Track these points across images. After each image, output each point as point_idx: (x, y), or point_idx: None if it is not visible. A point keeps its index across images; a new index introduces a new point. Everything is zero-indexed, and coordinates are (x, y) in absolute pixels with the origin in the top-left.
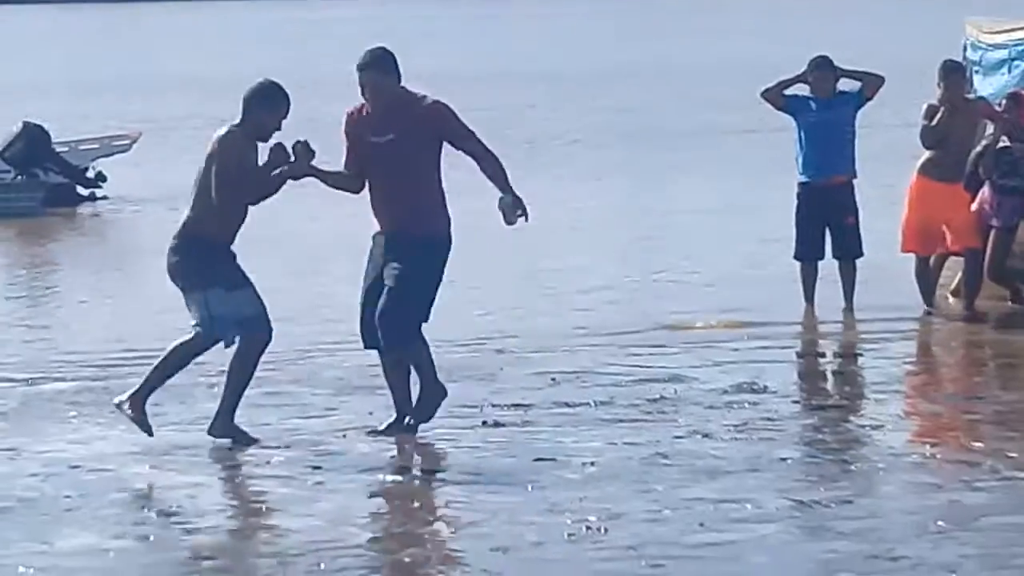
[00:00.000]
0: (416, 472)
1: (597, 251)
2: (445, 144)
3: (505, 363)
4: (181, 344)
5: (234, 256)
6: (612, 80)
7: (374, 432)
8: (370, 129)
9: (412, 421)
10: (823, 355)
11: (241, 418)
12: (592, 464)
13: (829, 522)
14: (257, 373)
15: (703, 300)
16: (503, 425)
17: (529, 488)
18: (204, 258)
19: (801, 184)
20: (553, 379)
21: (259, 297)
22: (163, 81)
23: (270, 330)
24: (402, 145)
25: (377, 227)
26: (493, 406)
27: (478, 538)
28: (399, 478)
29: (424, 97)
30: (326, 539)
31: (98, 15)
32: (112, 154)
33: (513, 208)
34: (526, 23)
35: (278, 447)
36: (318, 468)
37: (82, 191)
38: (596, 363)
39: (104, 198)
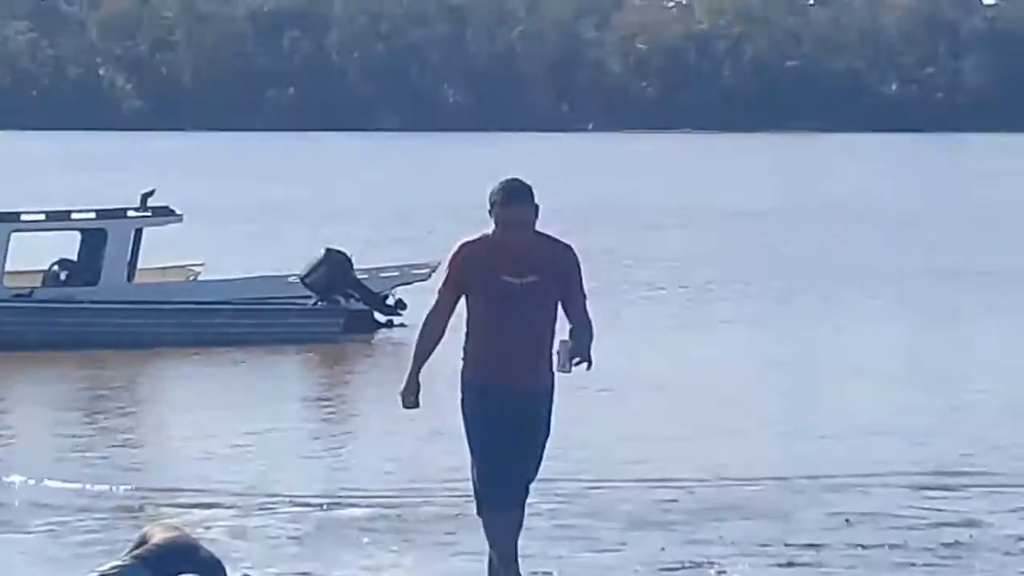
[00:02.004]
0: None
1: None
2: None
3: (799, 502)
4: None
5: None
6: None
7: None
8: (506, 268)
9: None
10: None
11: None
12: None
13: None
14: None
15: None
16: (796, 565)
17: None
18: None
19: None
20: (847, 520)
21: None
22: (473, 211)
23: None
24: (545, 289)
25: (477, 375)
26: (786, 545)
27: None
28: None
29: (556, 239)
30: None
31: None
32: (411, 282)
33: (571, 353)
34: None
35: None
36: None
37: (380, 318)
38: (890, 504)
39: (402, 325)
